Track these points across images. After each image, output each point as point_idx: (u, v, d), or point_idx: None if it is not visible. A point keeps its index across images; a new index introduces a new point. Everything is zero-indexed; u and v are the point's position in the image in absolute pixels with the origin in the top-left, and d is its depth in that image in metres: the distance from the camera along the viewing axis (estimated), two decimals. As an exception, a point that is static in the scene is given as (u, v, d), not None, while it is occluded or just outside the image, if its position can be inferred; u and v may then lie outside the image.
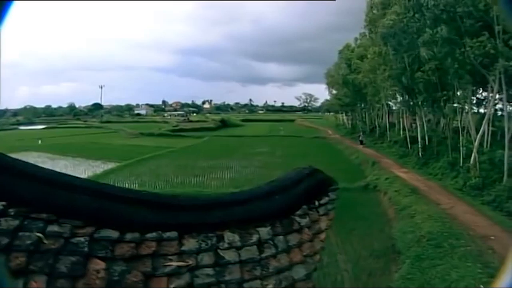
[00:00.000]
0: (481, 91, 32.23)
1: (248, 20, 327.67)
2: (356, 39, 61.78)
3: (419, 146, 37.23)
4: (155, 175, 34.92)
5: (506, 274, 1.30)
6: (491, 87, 26.75)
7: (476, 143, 27.23)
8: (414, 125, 41.56)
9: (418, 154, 37.04)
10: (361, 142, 53.41)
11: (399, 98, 44.61)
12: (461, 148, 29.06)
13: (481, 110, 32.04)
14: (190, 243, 3.16)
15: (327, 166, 30.31)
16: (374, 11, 44.71)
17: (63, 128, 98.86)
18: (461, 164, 28.70)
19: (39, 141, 62.37)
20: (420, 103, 37.00)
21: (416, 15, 30.66)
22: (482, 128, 27.55)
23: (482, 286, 12.46)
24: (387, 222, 22.13)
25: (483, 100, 31.88)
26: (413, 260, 15.71)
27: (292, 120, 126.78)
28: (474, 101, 32.67)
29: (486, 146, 27.75)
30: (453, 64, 26.49)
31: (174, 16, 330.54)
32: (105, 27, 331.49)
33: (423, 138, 37.45)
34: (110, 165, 40.84)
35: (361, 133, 57.96)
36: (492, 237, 16.99)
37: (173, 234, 3.16)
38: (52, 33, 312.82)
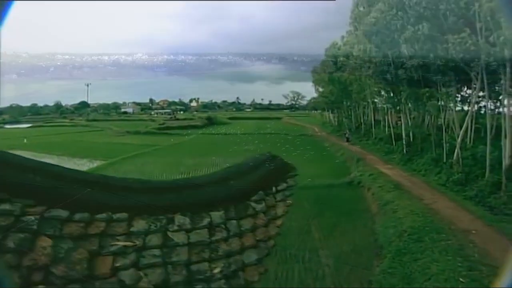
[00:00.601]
0: (465, 88, 32.49)
1: (235, 18, 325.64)
2: (342, 37, 61.64)
3: (404, 143, 37.50)
4: (140, 172, 34.55)
5: (506, 274, 1.33)
6: (474, 84, 26.96)
7: (459, 140, 27.47)
8: (399, 123, 41.68)
9: (403, 150, 37.32)
10: (347, 140, 53.55)
11: (384, 95, 44.71)
12: (444, 145, 29.29)
13: (465, 108, 32.35)
14: (139, 225, 3.19)
15: (313, 163, 30.48)
16: (360, 9, 44.73)
17: (49, 127, 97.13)
18: (444, 160, 28.99)
19: (25, 140, 61.64)
20: (403, 100, 37.23)
21: (399, 13, 30.78)
22: (465, 125, 27.79)
23: (461, 279, 12.60)
24: (370, 217, 22.26)
25: (467, 97, 32.15)
26: (394, 255, 15.84)
27: (279, 118, 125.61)
28: (459, 99, 32.94)
29: (470, 143, 27.99)
30: (435, 60, 26.67)
31: (161, 14, 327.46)
32: (92, 25, 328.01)
33: (407, 135, 37.71)
34: (95, 163, 40.42)
35: (347, 131, 58.06)
36: (474, 231, 17.19)
37: (123, 215, 3.20)
38: (39, 31, 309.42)
